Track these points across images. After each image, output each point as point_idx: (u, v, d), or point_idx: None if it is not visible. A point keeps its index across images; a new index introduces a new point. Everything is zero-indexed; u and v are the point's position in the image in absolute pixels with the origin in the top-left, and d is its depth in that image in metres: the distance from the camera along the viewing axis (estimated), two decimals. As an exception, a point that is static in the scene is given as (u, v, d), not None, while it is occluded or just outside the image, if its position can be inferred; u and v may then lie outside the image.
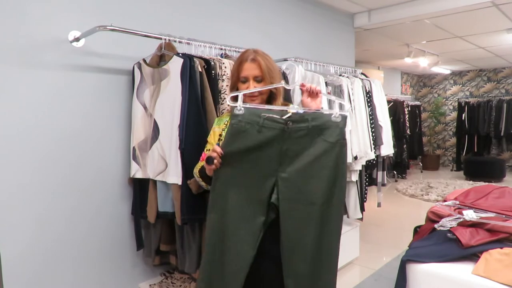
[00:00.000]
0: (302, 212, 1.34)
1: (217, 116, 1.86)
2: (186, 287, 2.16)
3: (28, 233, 1.77)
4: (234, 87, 1.52)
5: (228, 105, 1.42)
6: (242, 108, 1.35)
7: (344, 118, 1.36)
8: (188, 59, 1.82)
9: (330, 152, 1.34)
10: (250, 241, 1.35)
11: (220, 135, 1.54)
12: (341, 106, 1.40)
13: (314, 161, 1.34)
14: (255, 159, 1.36)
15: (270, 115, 1.34)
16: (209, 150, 1.52)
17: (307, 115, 1.37)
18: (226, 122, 1.56)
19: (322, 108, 1.45)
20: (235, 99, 1.37)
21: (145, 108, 2.00)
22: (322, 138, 1.34)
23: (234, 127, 1.34)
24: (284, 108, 1.44)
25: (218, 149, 1.37)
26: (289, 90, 2.40)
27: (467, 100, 8.09)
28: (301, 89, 1.46)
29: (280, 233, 1.34)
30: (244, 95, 1.44)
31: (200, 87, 1.85)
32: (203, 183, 1.55)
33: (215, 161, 1.36)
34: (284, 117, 1.34)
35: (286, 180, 1.35)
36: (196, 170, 1.56)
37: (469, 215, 1.41)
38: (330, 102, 2.54)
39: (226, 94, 1.98)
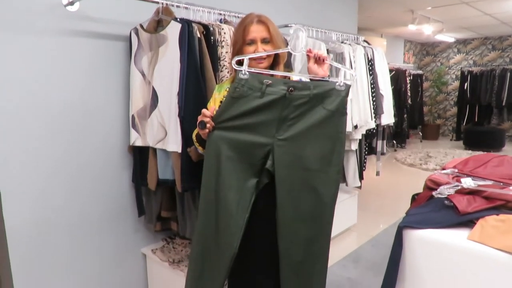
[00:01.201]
0: (296, 177, 1.36)
1: (217, 84, 1.84)
2: (187, 251, 2.22)
3: (31, 201, 1.79)
4: (239, 53, 1.48)
5: (232, 69, 1.41)
6: (247, 73, 1.34)
7: (348, 87, 1.34)
8: (187, 24, 1.77)
9: (328, 120, 1.34)
10: (242, 203, 1.37)
11: (221, 101, 1.52)
12: (345, 75, 1.39)
13: (312, 128, 1.34)
14: (252, 123, 1.36)
15: (272, 82, 1.33)
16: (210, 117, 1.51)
17: (310, 83, 1.36)
18: (227, 89, 1.54)
19: (329, 75, 1.43)
20: (240, 63, 1.35)
21: (143, 75, 1.97)
22: (322, 106, 1.34)
23: (237, 90, 1.34)
24: (289, 74, 1.43)
25: (208, 113, 1.38)
26: (290, 56, 2.37)
27: (470, 69, 7.98)
28: (307, 55, 1.43)
29: (275, 197, 1.36)
30: (250, 58, 1.42)
31: (199, 53, 1.81)
32: (200, 148, 1.55)
33: (208, 124, 1.37)
34: (288, 84, 1.33)
35: (282, 146, 1.35)
36: (193, 135, 1.57)
37: (467, 182, 1.42)
38: (333, 70, 2.50)
39: (225, 61, 1.94)
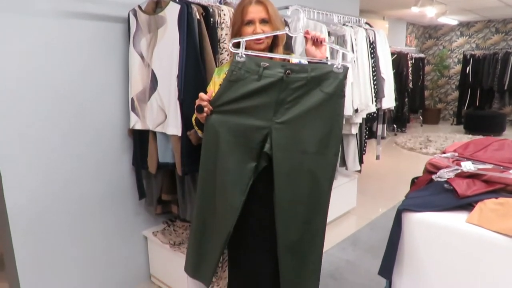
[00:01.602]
0: (294, 160, 1.37)
1: (217, 66, 1.82)
2: (187, 234, 2.24)
3: (32, 184, 1.79)
4: (237, 34, 1.47)
5: (230, 51, 1.41)
6: (244, 56, 1.33)
7: (346, 69, 1.33)
8: (186, 5, 1.73)
9: (326, 103, 1.34)
10: (239, 186, 1.39)
11: (221, 85, 1.51)
12: (344, 57, 1.37)
13: (309, 111, 1.34)
14: (250, 107, 1.36)
15: (269, 64, 1.33)
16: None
17: (307, 65, 1.35)
18: (226, 72, 1.53)
19: (327, 58, 1.41)
20: (237, 45, 1.34)
21: (142, 57, 1.95)
22: (319, 89, 1.33)
23: (234, 74, 1.34)
24: (287, 57, 1.42)
25: (205, 96, 1.38)
26: (290, 38, 2.33)
27: (472, 53, 7.90)
28: (305, 37, 1.42)
29: (273, 180, 1.37)
30: (249, 40, 1.41)
31: (198, 35, 1.78)
32: (199, 131, 1.55)
33: (205, 108, 1.37)
34: (285, 67, 1.33)
35: (280, 129, 1.35)
36: (193, 119, 1.57)
37: (467, 166, 1.42)
38: (332, 52, 2.47)
39: (225, 43, 1.91)
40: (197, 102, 1.39)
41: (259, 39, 1.44)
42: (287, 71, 1.32)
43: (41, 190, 1.83)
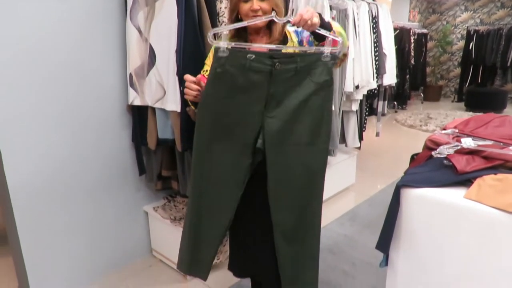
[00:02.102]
0: (288, 153, 1.35)
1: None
2: (188, 210, 2.26)
3: (32, 161, 1.79)
4: (235, 9, 1.42)
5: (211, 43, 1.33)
6: (227, 50, 1.24)
7: (334, 56, 1.30)
8: (183, -23, 1.69)
9: (316, 94, 1.32)
10: (235, 182, 1.38)
11: (205, 83, 1.48)
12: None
13: (301, 103, 1.32)
14: (240, 103, 1.31)
15: (256, 56, 1.25)
16: (205, 71, 1.49)
17: (296, 55, 1.30)
18: (228, 45, 1.49)
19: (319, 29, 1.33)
20: (214, 37, 1.26)
21: (139, 32, 1.91)
22: (309, 79, 1.31)
23: (218, 72, 1.27)
24: (271, 46, 1.33)
25: (191, 78, 1.36)
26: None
27: (476, 28, 7.75)
28: (294, 24, 1.31)
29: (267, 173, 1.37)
30: (246, 14, 1.36)
31: (197, 9, 1.74)
32: (193, 107, 1.53)
33: (192, 92, 1.36)
34: (273, 59, 1.26)
35: (271, 123, 1.32)
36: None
37: (467, 142, 1.41)
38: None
39: (224, 17, 1.87)
40: (185, 91, 1.37)
41: (255, 14, 1.37)
42: (276, 63, 1.26)
43: (41, 167, 1.83)
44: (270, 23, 1.44)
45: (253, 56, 1.26)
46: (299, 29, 1.47)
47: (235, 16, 1.44)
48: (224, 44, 1.24)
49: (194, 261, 1.50)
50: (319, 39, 1.37)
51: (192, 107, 1.53)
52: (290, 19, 1.31)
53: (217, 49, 1.26)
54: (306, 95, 1.31)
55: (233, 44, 1.27)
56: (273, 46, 1.32)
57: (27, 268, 1.86)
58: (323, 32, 1.31)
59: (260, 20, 1.34)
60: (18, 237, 1.81)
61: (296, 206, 1.41)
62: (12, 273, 2.07)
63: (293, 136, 1.34)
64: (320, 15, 1.33)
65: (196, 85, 1.37)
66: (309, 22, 1.26)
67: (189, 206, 1.49)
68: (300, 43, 1.48)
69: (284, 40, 1.47)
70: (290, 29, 1.50)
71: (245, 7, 1.38)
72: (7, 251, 2.10)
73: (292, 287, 1.48)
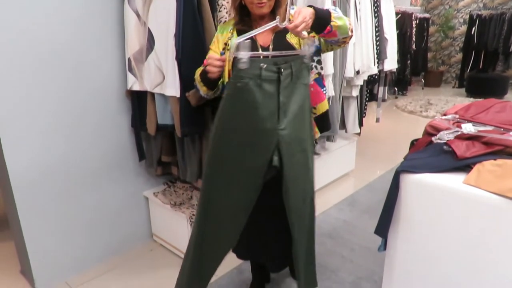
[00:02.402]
0: (299, 161, 1.38)
1: (215, 24, 1.77)
2: (188, 195, 2.27)
3: (32, 147, 1.79)
4: None
5: (232, 9, 1.39)
6: (247, 61, 1.23)
7: (311, 59, 1.37)
8: (182, -42, 1.65)
9: (306, 94, 1.36)
10: (244, 209, 1.40)
11: (226, 43, 1.47)
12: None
13: (300, 108, 1.34)
14: (258, 119, 1.29)
15: (266, 64, 1.26)
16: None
17: (289, 59, 1.30)
18: (231, 30, 1.49)
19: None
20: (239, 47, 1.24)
21: (138, 15, 1.88)
22: (301, 82, 1.33)
23: (238, 86, 1.25)
24: (271, 53, 1.35)
25: (215, 56, 1.38)
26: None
27: (479, 13, 7.65)
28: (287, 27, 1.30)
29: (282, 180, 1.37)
30: (249, 2, 1.36)
31: (196, -8, 1.71)
32: (203, 89, 1.53)
33: (216, 69, 1.35)
34: (277, 64, 1.27)
35: (285, 135, 1.32)
36: (197, 75, 1.53)
37: (467, 128, 1.41)
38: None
39: (223, 0, 1.84)
40: (209, 63, 1.37)
41: (261, 2, 1.35)
42: (281, 69, 1.27)
43: (41, 153, 1.83)
44: (275, 9, 1.43)
45: (265, 65, 1.26)
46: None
47: (239, 3, 1.43)
48: (245, 54, 1.22)
49: (196, 280, 1.53)
50: (319, 29, 1.33)
51: (203, 88, 1.52)
52: (286, 24, 1.28)
53: (237, 60, 1.24)
54: (302, 99, 1.34)
55: (250, 54, 1.25)
56: (275, 53, 1.34)
57: (29, 252, 1.88)
58: (303, 36, 1.30)
59: (267, 28, 1.31)
60: (20, 222, 1.82)
61: (302, 196, 1.44)
62: (14, 257, 2.10)
63: (302, 143, 1.37)
64: (314, 7, 1.28)
65: (220, 61, 1.38)
66: (298, 28, 1.23)
67: (196, 227, 1.49)
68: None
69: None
70: (291, 12, 1.47)
71: None
72: (9, 235, 2.12)
73: (307, 267, 1.54)
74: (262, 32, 1.37)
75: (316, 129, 1.61)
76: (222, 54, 1.47)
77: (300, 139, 1.37)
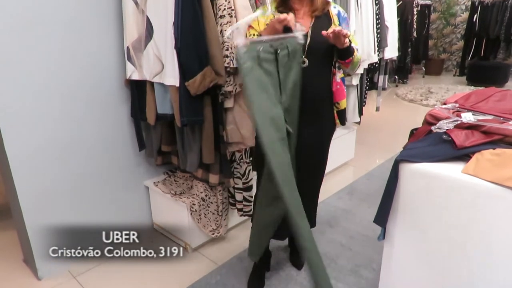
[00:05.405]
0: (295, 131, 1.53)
1: (214, 13, 1.75)
2: (188, 184, 2.29)
3: (32, 137, 1.79)
4: None
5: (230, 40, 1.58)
6: (245, 47, 1.39)
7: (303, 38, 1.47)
8: None
9: (300, 73, 1.49)
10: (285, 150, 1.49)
11: (267, 25, 1.55)
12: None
13: (295, 83, 1.47)
14: (268, 96, 1.43)
15: (264, 46, 1.40)
16: (252, 35, 1.59)
17: (285, 41, 1.44)
18: (272, 13, 1.59)
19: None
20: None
21: (136, 3, 1.86)
22: (295, 61, 1.47)
23: (245, 67, 1.40)
24: (269, 38, 1.44)
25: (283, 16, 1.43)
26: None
27: (481, -1, 7.57)
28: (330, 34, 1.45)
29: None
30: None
31: (194, -21, 1.69)
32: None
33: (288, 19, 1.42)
34: (273, 46, 1.42)
35: (286, 107, 1.47)
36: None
37: (467, 117, 1.41)
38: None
39: (223, -12, 1.82)
40: (278, 22, 1.43)
41: None
42: (277, 50, 1.42)
43: (41, 142, 1.84)
44: None
45: (261, 47, 1.40)
46: (342, 13, 1.67)
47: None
48: (241, 41, 1.40)
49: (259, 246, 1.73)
50: (342, 57, 1.56)
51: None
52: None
53: (238, 51, 1.39)
54: (297, 75, 1.47)
55: (245, 40, 1.42)
56: (270, 37, 1.43)
57: (31, 241, 1.89)
58: (295, 30, 1.45)
59: (279, 37, 1.43)
60: (22, 211, 1.84)
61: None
62: (17, 246, 2.12)
63: (294, 114, 1.51)
64: (350, 41, 1.51)
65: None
66: (342, 38, 1.44)
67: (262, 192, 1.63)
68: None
69: (327, 20, 1.61)
70: (333, 11, 1.64)
71: None
72: (11, 224, 2.14)
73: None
74: (302, 17, 1.58)
75: (338, 121, 1.77)
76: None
77: (295, 111, 1.51)
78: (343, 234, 2.34)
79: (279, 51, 1.42)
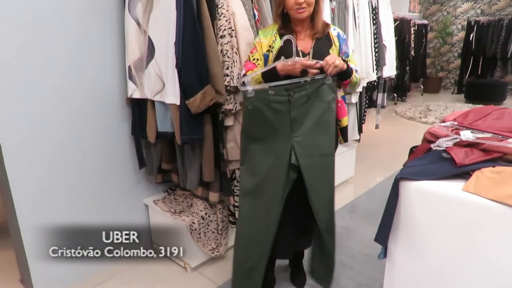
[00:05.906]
0: (319, 163, 1.64)
1: (215, 33, 1.78)
2: (188, 203, 2.27)
3: (32, 154, 1.80)
4: (281, 4, 1.62)
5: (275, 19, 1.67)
6: (253, 91, 1.53)
7: (335, 79, 1.59)
8: (182, -32, 1.67)
9: (328, 109, 1.61)
10: (277, 202, 1.64)
11: (271, 46, 1.65)
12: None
13: (319, 120, 1.59)
14: (273, 129, 1.59)
15: (274, 91, 1.54)
16: (255, 59, 1.68)
17: (304, 83, 1.55)
18: (274, 34, 1.67)
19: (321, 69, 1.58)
20: (243, 84, 1.55)
21: (138, 24, 1.90)
22: (320, 99, 1.58)
23: (250, 109, 1.56)
24: (285, 83, 1.57)
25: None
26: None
27: (477, 19, 7.71)
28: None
29: (304, 182, 1.64)
30: (292, 8, 1.58)
31: (195, 0, 1.73)
32: (257, 80, 1.66)
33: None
34: (288, 90, 1.55)
35: (299, 141, 1.60)
36: (253, 76, 1.64)
37: (466, 135, 1.41)
38: (335, 19, 2.41)
39: (223, 8, 1.85)
40: (295, 66, 1.55)
41: (301, 8, 1.56)
42: (291, 93, 1.54)
43: (41, 159, 1.84)
44: (313, 15, 1.64)
45: (273, 92, 1.54)
46: (342, 34, 1.73)
47: (281, 11, 1.64)
48: (250, 87, 1.54)
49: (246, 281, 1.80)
50: (341, 78, 1.63)
51: (258, 80, 1.66)
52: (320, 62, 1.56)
53: (245, 93, 1.54)
54: (321, 113, 1.59)
55: (256, 87, 1.56)
56: (285, 83, 1.56)
57: (29, 261, 1.87)
58: (310, 63, 1.57)
59: (285, 83, 1.57)
60: (20, 230, 1.82)
61: (326, 196, 1.72)
62: (14, 266, 2.09)
63: (320, 148, 1.63)
64: (346, 62, 1.62)
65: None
66: (332, 65, 1.52)
67: (242, 224, 1.75)
68: (340, 48, 1.71)
69: (328, 42, 1.68)
70: (333, 33, 1.71)
71: (290, 1, 1.56)
72: (9, 244, 2.12)
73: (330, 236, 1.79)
74: (303, 39, 1.66)
75: (341, 138, 1.87)
76: (265, 55, 1.68)
77: (318, 145, 1.62)
78: (344, 253, 2.31)
79: (292, 94, 1.54)
